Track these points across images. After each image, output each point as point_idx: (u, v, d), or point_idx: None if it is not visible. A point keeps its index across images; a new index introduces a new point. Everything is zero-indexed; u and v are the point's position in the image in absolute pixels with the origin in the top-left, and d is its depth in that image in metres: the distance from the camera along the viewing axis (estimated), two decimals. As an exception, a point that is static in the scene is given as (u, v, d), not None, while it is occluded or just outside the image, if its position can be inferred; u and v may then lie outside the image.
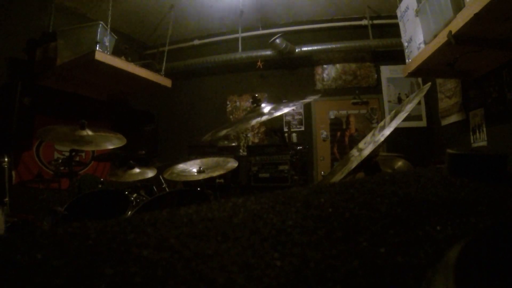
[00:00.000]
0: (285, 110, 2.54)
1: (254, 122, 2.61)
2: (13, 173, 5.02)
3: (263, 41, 7.02)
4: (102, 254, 0.36)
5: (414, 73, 4.44)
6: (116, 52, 5.27)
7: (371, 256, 0.34)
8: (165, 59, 6.34)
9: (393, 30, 5.87)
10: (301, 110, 7.12)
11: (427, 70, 4.32)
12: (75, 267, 0.33)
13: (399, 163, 3.67)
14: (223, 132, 2.78)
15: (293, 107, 6.60)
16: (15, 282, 0.31)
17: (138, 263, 0.33)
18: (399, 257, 0.34)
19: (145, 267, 0.32)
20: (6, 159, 4.24)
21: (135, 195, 3.74)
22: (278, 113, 2.46)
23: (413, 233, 0.40)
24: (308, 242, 0.37)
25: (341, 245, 0.37)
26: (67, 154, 3.68)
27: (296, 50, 6.86)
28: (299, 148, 6.05)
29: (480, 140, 4.54)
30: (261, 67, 7.14)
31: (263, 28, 7.32)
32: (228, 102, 7.67)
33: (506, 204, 0.52)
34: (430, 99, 6.26)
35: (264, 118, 2.47)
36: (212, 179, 4.22)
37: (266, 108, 2.58)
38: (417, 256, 0.35)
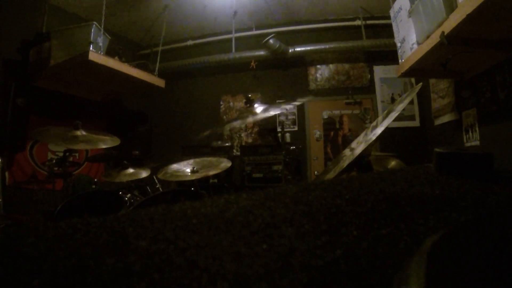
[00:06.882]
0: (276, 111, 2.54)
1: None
2: (7, 174, 5.01)
3: (256, 42, 7.04)
4: (103, 246, 0.38)
5: (407, 73, 4.45)
6: (109, 52, 5.26)
7: (353, 247, 0.36)
8: (158, 59, 6.34)
9: (386, 31, 5.90)
10: (295, 110, 7.13)
11: (420, 70, 4.35)
12: (79, 257, 0.35)
13: (393, 163, 3.71)
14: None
15: (286, 108, 6.64)
16: (23, 270, 0.33)
17: (136, 253, 0.35)
18: (380, 247, 0.36)
19: (143, 257, 0.34)
20: (-1, 160, 4.23)
21: (129, 195, 3.76)
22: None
23: (395, 226, 0.43)
24: (295, 234, 0.40)
25: (326, 237, 0.39)
26: (61, 154, 3.69)
27: (290, 51, 6.88)
28: (293, 148, 6.07)
29: (472, 140, 4.57)
30: (254, 67, 7.15)
31: (257, 29, 7.33)
32: (221, 103, 7.68)
33: (487, 200, 0.55)
34: (423, 99, 6.29)
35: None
36: (205, 179, 4.24)
37: (258, 108, 2.59)
38: (397, 246, 0.37)
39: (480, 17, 2.90)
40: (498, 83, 4.00)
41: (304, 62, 7.24)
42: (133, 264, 0.33)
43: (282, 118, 7.13)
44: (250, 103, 2.60)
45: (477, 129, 4.48)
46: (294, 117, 7.16)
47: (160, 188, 4.34)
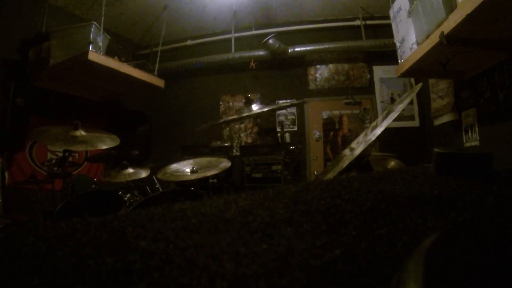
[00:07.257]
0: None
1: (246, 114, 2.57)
2: (6, 174, 5.00)
3: (256, 42, 7.03)
4: (102, 245, 0.38)
5: (407, 74, 4.45)
6: (109, 52, 5.25)
7: (352, 246, 0.37)
8: (158, 59, 6.33)
9: (386, 31, 5.90)
10: (294, 110, 7.13)
11: (420, 71, 4.35)
12: (79, 257, 0.35)
13: (392, 163, 3.71)
14: (220, 121, 2.74)
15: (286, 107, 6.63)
16: (23, 270, 0.33)
17: (136, 252, 0.35)
18: (379, 247, 0.37)
19: (143, 256, 0.35)
20: (-1, 160, 4.23)
21: (128, 195, 3.76)
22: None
23: (394, 226, 0.43)
24: (294, 234, 0.40)
25: (325, 236, 0.39)
26: (60, 154, 3.68)
27: (289, 51, 6.87)
28: (292, 148, 6.06)
29: (472, 140, 4.57)
30: (254, 67, 7.15)
31: (256, 29, 7.32)
32: (221, 102, 7.67)
33: (486, 200, 0.55)
34: (423, 99, 6.30)
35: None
36: (205, 179, 4.23)
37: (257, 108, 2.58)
38: (396, 246, 0.37)
39: (480, 17, 2.90)
40: (498, 83, 4.00)
41: (304, 62, 7.24)
42: (133, 263, 0.33)
43: (282, 118, 7.12)
44: (249, 103, 2.59)
45: (476, 129, 4.48)
46: (293, 117, 7.15)
47: (160, 188, 4.34)
